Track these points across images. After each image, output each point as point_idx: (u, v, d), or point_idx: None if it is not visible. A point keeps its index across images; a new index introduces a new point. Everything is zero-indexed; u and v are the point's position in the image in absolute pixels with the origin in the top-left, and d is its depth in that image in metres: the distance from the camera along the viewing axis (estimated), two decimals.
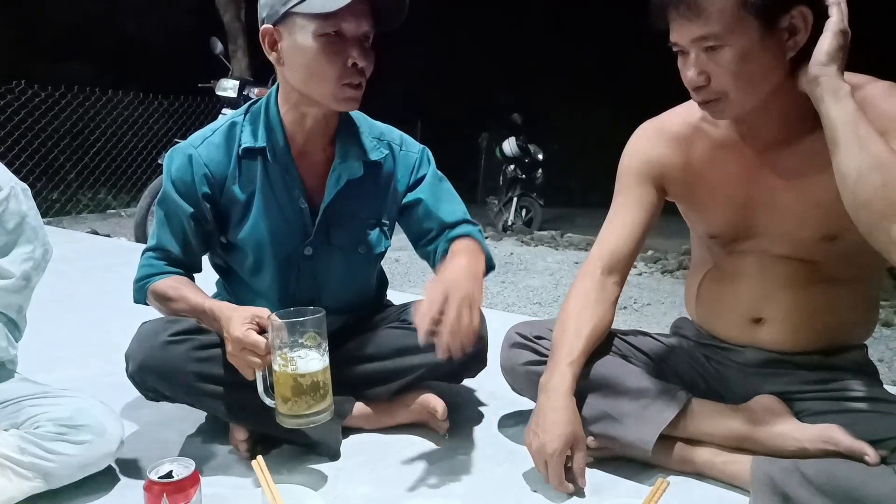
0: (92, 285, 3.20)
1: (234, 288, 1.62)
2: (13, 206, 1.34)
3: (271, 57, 1.41)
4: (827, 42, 1.11)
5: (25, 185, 1.41)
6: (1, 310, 1.35)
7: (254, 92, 4.71)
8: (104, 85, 7.71)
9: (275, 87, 1.50)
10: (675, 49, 1.21)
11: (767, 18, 1.11)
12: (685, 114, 1.39)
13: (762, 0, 1.09)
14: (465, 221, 1.60)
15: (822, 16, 1.12)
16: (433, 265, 1.59)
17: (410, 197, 1.60)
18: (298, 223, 1.51)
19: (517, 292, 4.18)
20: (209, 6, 8.59)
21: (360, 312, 1.69)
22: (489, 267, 1.54)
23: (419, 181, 1.61)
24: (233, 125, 1.51)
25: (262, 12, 1.39)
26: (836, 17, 1.12)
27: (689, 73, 1.19)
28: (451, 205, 1.61)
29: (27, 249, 1.37)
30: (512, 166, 7.65)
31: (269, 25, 1.38)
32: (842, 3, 1.14)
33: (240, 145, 1.49)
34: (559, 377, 1.33)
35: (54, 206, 7.34)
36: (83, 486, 1.34)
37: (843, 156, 1.09)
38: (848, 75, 1.20)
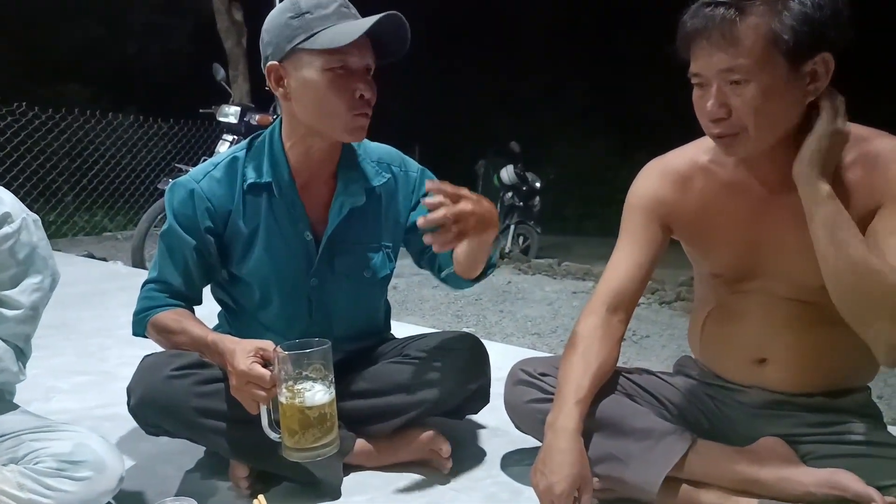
0: (88, 312, 3.19)
1: (238, 322, 1.61)
2: (24, 238, 1.34)
3: (277, 93, 1.43)
4: (811, 145, 1.17)
5: (36, 216, 1.41)
6: (8, 339, 1.35)
7: (255, 118, 4.74)
8: (103, 108, 7.77)
9: (277, 121, 1.52)
10: (694, 80, 1.21)
11: (794, 60, 1.12)
12: (692, 153, 1.40)
13: (793, 40, 1.11)
14: None
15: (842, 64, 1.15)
16: (439, 262, 1.58)
17: (415, 217, 1.59)
18: (303, 255, 1.52)
19: (515, 322, 4.16)
20: (210, 32, 8.66)
21: (370, 341, 1.69)
22: (491, 264, 1.55)
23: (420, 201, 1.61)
24: (234, 160, 1.51)
25: (267, 50, 1.41)
26: (826, 119, 1.16)
27: (708, 105, 1.18)
28: None
29: (36, 280, 1.37)
30: (509, 194, 7.66)
31: (275, 62, 1.40)
32: (836, 101, 1.17)
33: (244, 180, 1.49)
34: (566, 416, 1.32)
35: (50, 227, 7.31)
36: None
37: (821, 257, 1.18)
38: (855, 128, 1.22)
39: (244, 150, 1.52)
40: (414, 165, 1.65)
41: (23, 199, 1.42)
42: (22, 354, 1.39)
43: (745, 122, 1.16)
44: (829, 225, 1.15)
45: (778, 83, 1.14)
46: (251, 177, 1.49)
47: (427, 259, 1.63)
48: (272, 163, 1.49)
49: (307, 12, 1.36)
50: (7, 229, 1.31)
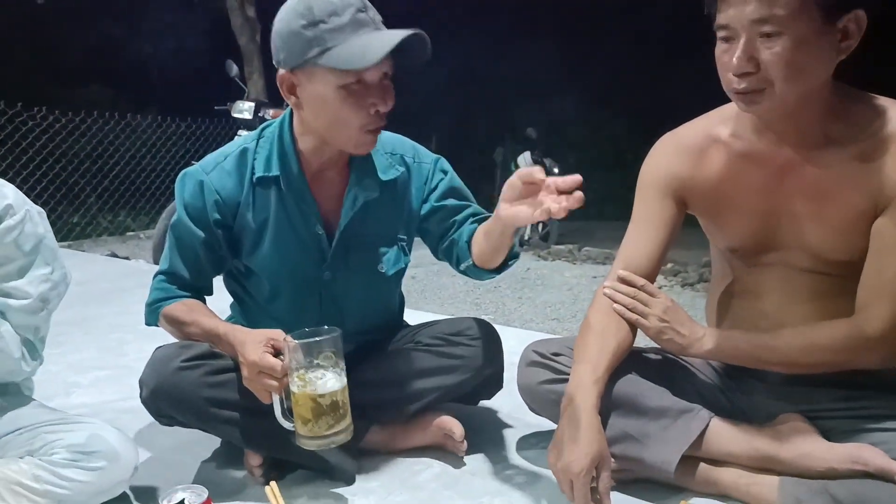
0: (110, 308, 3.22)
1: (249, 313, 1.60)
2: (29, 229, 1.35)
3: (289, 101, 1.38)
4: None
5: (41, 209, 1.41)
6: (18, 331, 1.35)
7: (269, 113, 4.74)
8: (122, 109, 7.84)
9: (288, 111, 1.48)
10: (721, 33, 1.16)
11: (829, 14, 1.09)
12: (705, 125, 1.36)
13: None
14: (481, 212, 1.59)
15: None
16: (457, 253, 1.53)
17: (427, 207, 1.58)
18: (315, 248, 1.50)
19: (534, 308, 4.14)
20: (225, 29, 8.71)
21: (384, 333, 1.67)
22: (513, 255, 1.50)
23: (433, 190, 1.58)
24: (244, 151, 1.48)
25: (278, 55, 1.34)
26: None
27: (735, 59, 1.13)
28: (471, 204, 1.60)
29: (45, 271, 1.37)
30: None
31: (286, 71, 1.34)
32: None
33: (253, 173, 1.47)
34: (583, 394, 1.29)
35: (75, 229, 7.43)
36: None
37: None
38: (883, 100, 1.20)
39: (255, 141, 1.49)
40: (428, 155, 1.61)
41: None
42: (32, 347, 1.39)
43: (773, 77, 1.12)
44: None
45: (810, 38, 1.09)
46: (260, 170, 1.46)
47: (444, 250, 1.59)
48: (281, 155, 1.46)
49: (321, 21, 1.27)
50: (10, 221, 1.32)
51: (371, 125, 1.36)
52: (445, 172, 1.61)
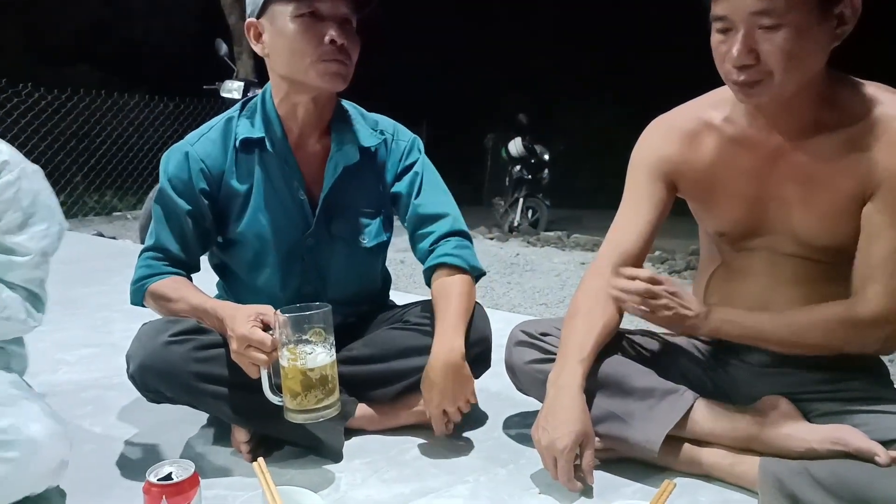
0: (96, 287, 3.20)
1: (234, 288, 1.61)
2: (26, 186, 1.35)
3: (257, 48, 1.46)
4: None
5: (37, 167, 1.42)
6: (23, 285, 1.36)
7: (257, 92, 4.70)
8: (110, 88, 7.76)
9: (270, 81, 1.51)
10: (718, 25, 1.15)
11: (827, 1, 1.09)
12: (696, 109, 1.37)
13: None
14: (448, 230, 1.58)
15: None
16: (423, 269, 1.61)
17: (395, 188, 1.61)
18: (298, 215, 1.52)
19: (523, 293, 4.16)
20: (215, 9, 8.60)
21: (366, 307, 1.69)
22: (479, 275, 1.59)
23: (406, 170, 1.61)
24: (229, 120, 1.53)
25: (248, 9, 1.44)
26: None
27: (735, 51, 1.12)
28: (433, 197, 1.60)
29: (43, 227, 1.38)
30: (518, 167, 7.63)
31: (253, 19, 1.43)
32: None
33: (236, 137, 1.50)
34: (569, 373, 1.31)
35: (61, 208, 7.35)
36: (83, 488, 1.33)
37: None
38: (872, 86, 1.21)
39: (238, 111, 1.53)
40: (406, 133, 1.65)
41: None
42: (38, 300, 1.40)
43: (773, 68, 1.12)
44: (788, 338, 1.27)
45: (809, 27, 1.10)
46: (244, 132, 1.49)
47: (413, 245, 1.62)
48: (264, 119, 1.50)
49: None
50: (8, 177, 1.32)
51: (329, 55, 1.39)
52: (419, 152, 1.64)
